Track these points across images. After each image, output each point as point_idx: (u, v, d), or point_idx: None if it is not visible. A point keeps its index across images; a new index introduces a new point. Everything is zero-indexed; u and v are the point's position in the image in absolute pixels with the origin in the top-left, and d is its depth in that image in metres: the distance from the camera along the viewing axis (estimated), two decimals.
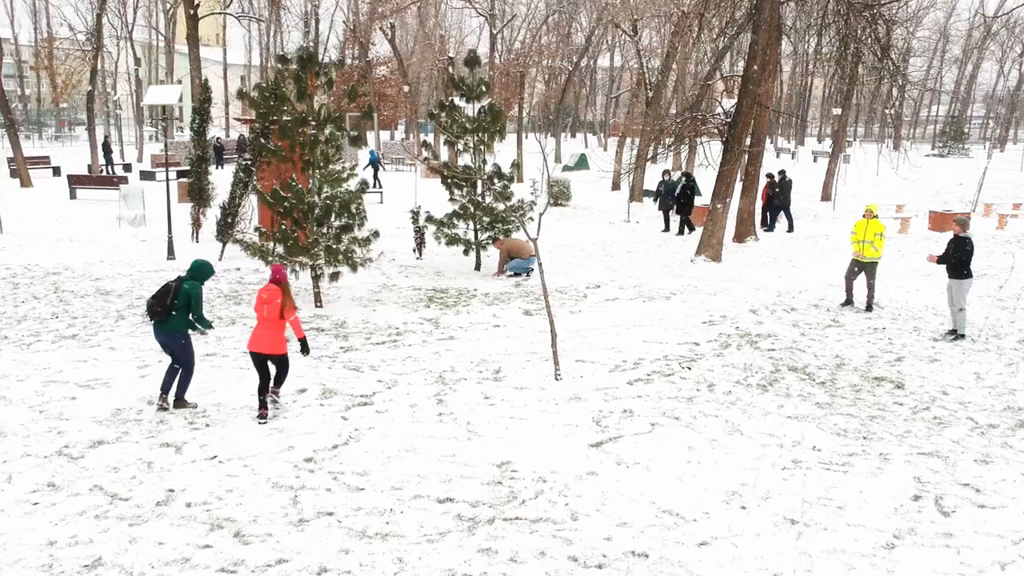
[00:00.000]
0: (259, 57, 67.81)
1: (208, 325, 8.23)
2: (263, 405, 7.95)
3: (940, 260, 11.26)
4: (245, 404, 8.31)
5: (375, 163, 32.22)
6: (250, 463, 6.88)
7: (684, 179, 22.08)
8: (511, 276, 15.35)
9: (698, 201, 23.38)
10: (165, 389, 8.15)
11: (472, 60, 15.64)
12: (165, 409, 8.07)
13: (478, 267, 16.07)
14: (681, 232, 21.42)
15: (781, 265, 17.26)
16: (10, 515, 5.95)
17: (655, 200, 24.20)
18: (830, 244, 19.82)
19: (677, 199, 21.56)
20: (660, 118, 27.23)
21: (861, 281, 12.85)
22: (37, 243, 17.87)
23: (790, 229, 22.45)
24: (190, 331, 8.16)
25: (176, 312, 7.92)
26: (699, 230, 20.21)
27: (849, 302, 12.86)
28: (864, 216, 12.82)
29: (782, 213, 22.72)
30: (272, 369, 8.11)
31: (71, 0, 57.21)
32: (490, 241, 15.78)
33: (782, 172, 22.60)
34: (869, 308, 12.78)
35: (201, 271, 8.10)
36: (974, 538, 5.81)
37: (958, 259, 11.04)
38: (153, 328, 8.15)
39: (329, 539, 5.65)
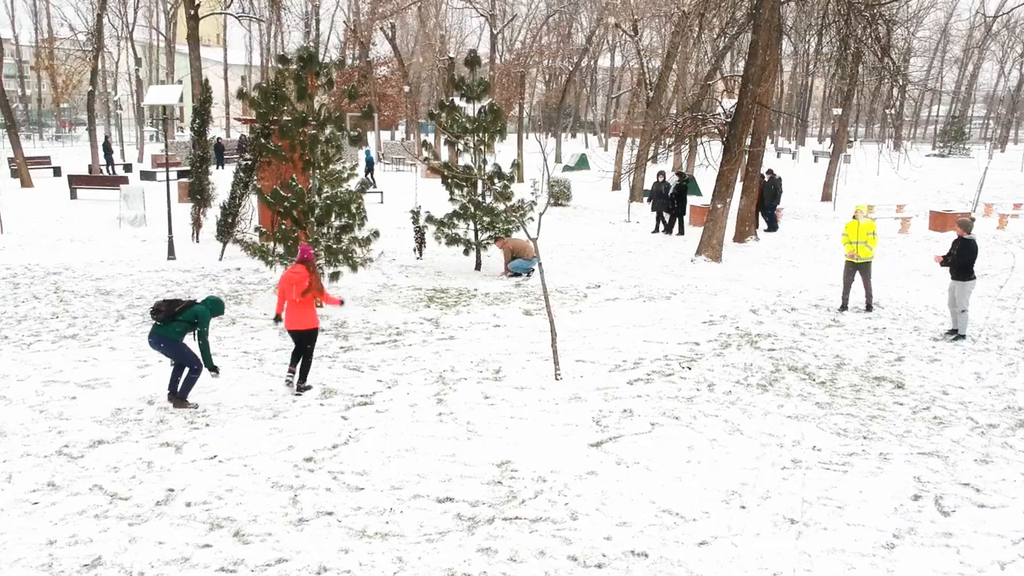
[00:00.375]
0: (260, 57, 67.87)
1: (212, 367, 8.28)
2: (295, 363, 8.65)
3: (944, 262, 11.25)
4: (245, 404, 8.32)
5: (370, 164, 32.10)
6: (250, 463, 6.89)
7: (678, 179, 22.08)
8: (511, 276, 15.35)
9: (698, 201, 23.35)
10: (173, 388, 8.23)
11: (472, 60, 15.63)
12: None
13: (478, 267, 16.07)
14: (681, 232, 21.44)
15: (781, 265, 17.27)
16: (10, 514, 5.95)
17: (648, 200, 24.23)
18: (830, 244, 19.81)
19: (670, 199, 21.54)
20: (661, 118, 27.25)
21: (858, 283, 12.83)
22: (37, 243, 17.88)
23: (772, 229, 22.40)
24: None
25: (176, 322, 8.05)
26: (692, 231, 20.25)
27: (845, 307, 12.83)
28: (854, 217, 12.80)
29: (772, 213, 22.74)
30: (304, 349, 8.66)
31: (71, 0, 57.32)
32: (491, 241, 15.78)
33: (770, 171, 22.58)
34: (869, 308, 12.77)
35: (216, 305, 8.36)
36: (974, 538, 5.81)
37: (961, 261, 11.03)
38: (149, 334, 8.20)
39: (329, 538, 5.65)
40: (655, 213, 22.18)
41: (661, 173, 22.35)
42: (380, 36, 53.69)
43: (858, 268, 12.71)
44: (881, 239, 20.31)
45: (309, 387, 8.77)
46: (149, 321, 11.46)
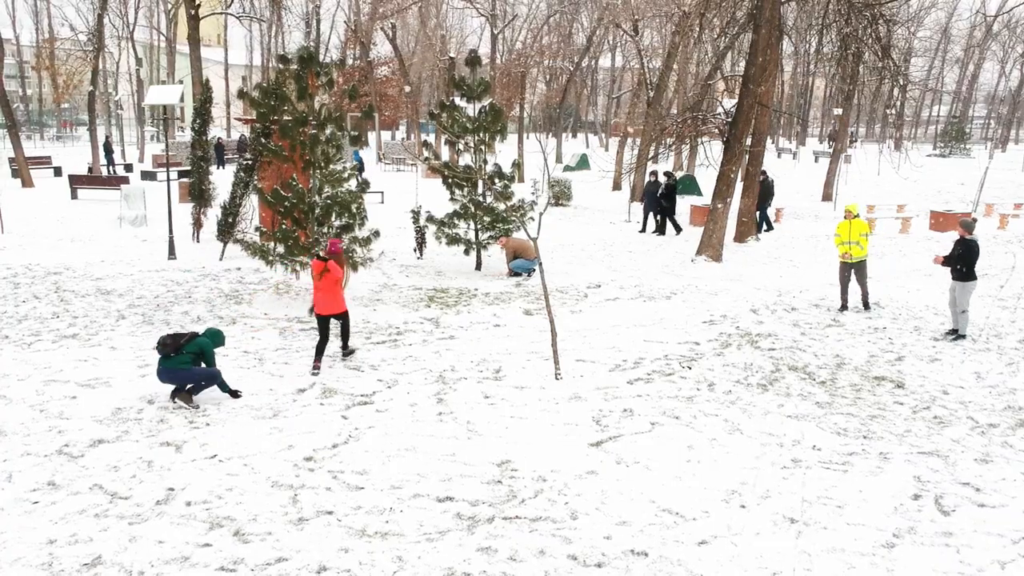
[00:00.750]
0: (260, 57, 67.86)
1: (232, 392, 8.43)
2: (319, 358, 9.42)
3: (946, 262, 11.23)
4: (245, 404, 8.33)
5: (360, 166, 31.89)
6: (250, 462, 6.89)
7: (667, 179, 22.09)
8: (512, 276, 15.35)
9: (698, 201, 23.29)
10: (178, 390, 8.28)
11: (473, 60, 15.61)
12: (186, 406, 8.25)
13: (479, 267, 16.07)
14: (678, 230, 21.43)
15: (782, 265, 17.26)
16: (10, 514, 5.96)
17: (641, 200, 24.21)
18: (830, 244, 19.79)
19: (660, 199, 21.51)
20: (661, 118, 27.24)
21: (855, 283, 12.82)
22: (38, 243, 17.89)
23: (767, 229, 22.37)
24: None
25: (182, 354, 8.19)
26: (692, 231, 20.21)
27: (845, 307, 12.83)
28: (845, 217, 12.78)
29: (768, 213, 22.73)
30: (337, 329, 9.81)
31: (72, 0, 57.33)
32: (491, 240, 15.77)
33: (763, 173, 22.58)
34: (866, 307, 12.77)
35: (216, 336, 8.59)
36: (974, 537, 5.81)
37: (963, 261, 11.02)
38: (158, 368, 8.26)
39: (329, 538, 5.65)
40: (647, 213, 22.16)
41: (653, 173, 22.33)
42: (381, 36, 53.77)
43: (853, 268, 12.71)
44: (881, 239, 20.37)
45: (354, 350, 9.99)
46: (149, 321, 11.51)
